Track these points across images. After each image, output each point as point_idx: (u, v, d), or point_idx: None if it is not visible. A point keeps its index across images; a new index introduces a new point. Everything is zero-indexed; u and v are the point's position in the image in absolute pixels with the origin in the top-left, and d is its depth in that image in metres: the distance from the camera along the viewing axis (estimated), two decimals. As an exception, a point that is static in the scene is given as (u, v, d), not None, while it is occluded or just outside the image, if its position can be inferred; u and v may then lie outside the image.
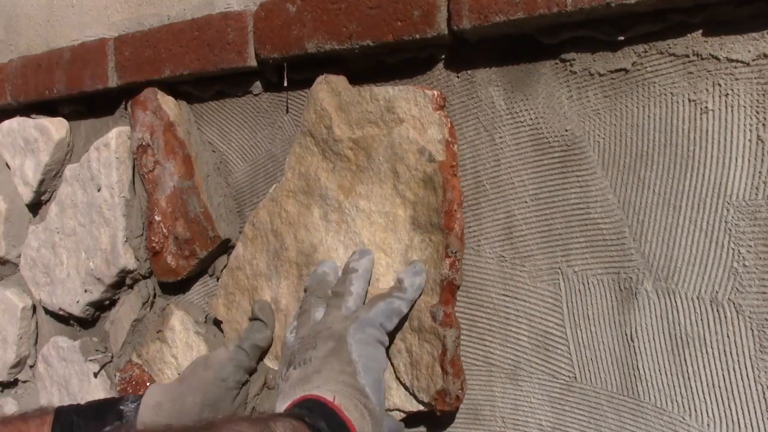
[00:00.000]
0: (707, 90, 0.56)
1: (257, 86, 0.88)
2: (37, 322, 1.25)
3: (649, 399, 0.61)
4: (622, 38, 0.60)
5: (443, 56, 0.72)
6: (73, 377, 1.14)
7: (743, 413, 0.56)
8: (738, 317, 0.56)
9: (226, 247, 0.93)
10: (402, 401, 0.72)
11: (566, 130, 0.64)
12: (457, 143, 0.71)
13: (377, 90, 0.73)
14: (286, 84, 0.83)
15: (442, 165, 0.69)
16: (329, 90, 0.77)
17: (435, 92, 0.70)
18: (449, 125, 0.70)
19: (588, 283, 0.64)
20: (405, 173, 0.71)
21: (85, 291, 1.08)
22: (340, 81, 0.76)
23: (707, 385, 0.58)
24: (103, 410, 0.68)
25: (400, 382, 0.72)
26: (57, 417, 0.65)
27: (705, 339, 0.58)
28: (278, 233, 0.81)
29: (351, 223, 0.75)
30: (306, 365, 0.64)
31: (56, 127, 1.14)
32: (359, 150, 0.74)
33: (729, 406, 0.57)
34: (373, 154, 0.73)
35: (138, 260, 1.02)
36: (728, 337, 0.56)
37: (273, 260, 0.82)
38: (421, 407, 0.70)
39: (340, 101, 0.76)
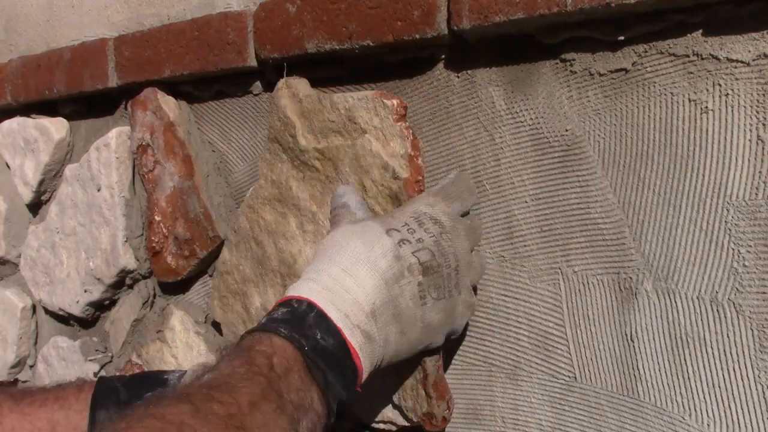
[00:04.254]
0: (707, 90, 0.56)
1: (257, 86, 0.88)
2: (37, 322, 1.25)
3: (649, 399, 0.61)
4: (622, 38, 0.60)
5: (443, 56, 0.72)
6: (73, 377, 1.14)
7: (743, 413, 0.56)
8: (738, 317, 0.56)
9: (226, 247, 0.94)
10: (395, 415, 0.71)
11: (566, 130, 0.64)
12: (421, 155, 0.69)
13: (337, 98, 0.70)
14: (286, 84, 0.83)
15: (406, 182, 0.67)
16: (290, 96, 0.74)
17: (395, 101, 0.67)
18: (411, 137, 0.68)
19: (588, 283, 0.64)
20: (372, 188, 0.69)
21: (85, 291, 1.09)
22: (300, 85, 0.74)
23: (707, 385, 0.58)
24: (148, 379, 0.67)
25: (391, 398, 0.71)
26: (99, 383, 0.65)
27: (705, 339, 0.58)
28: (259, 241, 0.80)
29: None
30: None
31: (56, 127, 1.14)
32: (326, 161, 0.72)
33: (729, 406, 0.57)
34: (339, 165, 0.71)
35: (138, 260, 1.02)
36: (728, 337, 0.56)
37: (258, 267, 0.81)
38: (412, 423, 0.70)
39: (302, 108, 0.74)
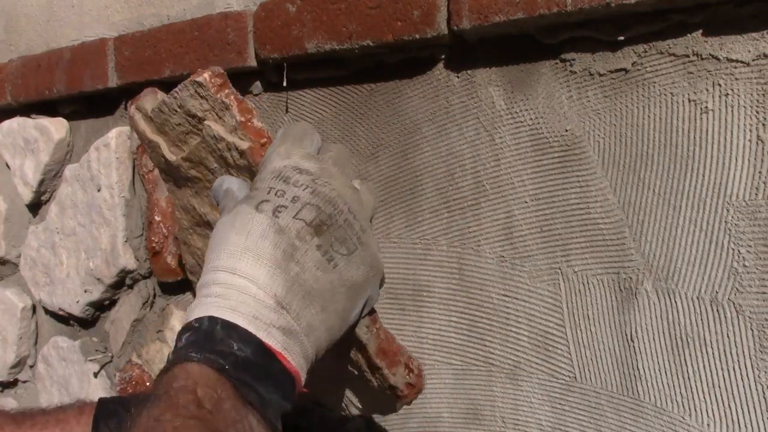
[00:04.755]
0: (707, 90, 0.56)
1: (257, 86, 0.88)
2: (37, 322, 1.25)
3: (649, 399, 0.61)
4: (622, 38, 0.60)
5: (443, 56, 0.72)
6: (73, 377, 1.14)
7: (743, 413, 0.56)
8: (738, 317, 0.56)
9: (226, 247, 0.93)
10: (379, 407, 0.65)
11: (566, 130, 0.64)
12: (255, 116, 0.62)
13: (168, 100, 0.65)
14: (285, 84, 0.83)
15: (251, 151, 0.60)
16: (143, 118, 0.70)
17: (206, 74, 0.61)
18: (236, 103, 0.61)
19: (588, 283, 0.64)
20: (236, 173, 0.63)
21: (85, 291, 1.09)
22: (147, 103, 0.68)
23: (707, 385, 0.58)
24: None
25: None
26: (100, 406, 0.64)
27: (705, 339, 0.58)
28: None
29: None
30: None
31: (56, 127, 1.14)
32: (197, 166, 0.67)
33: (729, 406, 0.57)
34: (207, 164, 0.66)
35: (138, 260, 1.02)
36: (728, 337, 0.56)
37: None
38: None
39: (155, 125, 0.69)
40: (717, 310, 0.57)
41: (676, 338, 0.59)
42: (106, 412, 0.62)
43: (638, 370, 0.61)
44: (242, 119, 0.61)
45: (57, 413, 0.63)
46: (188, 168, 0.68)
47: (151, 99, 0.69)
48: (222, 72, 0.61)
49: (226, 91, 0.61)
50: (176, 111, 0.65)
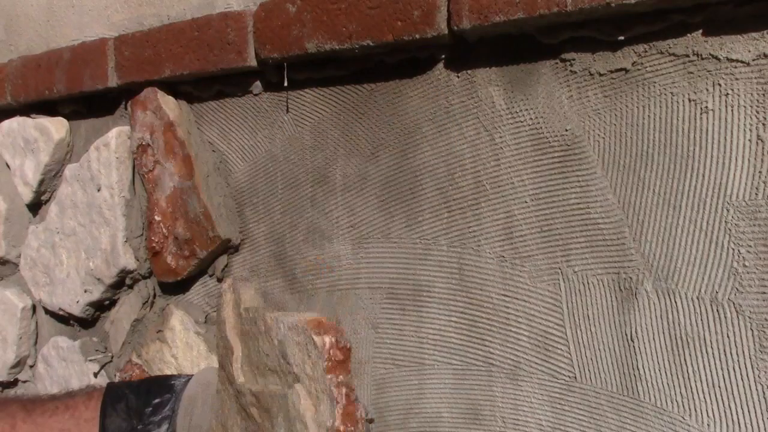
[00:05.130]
0: (707, 90, 0.56)
1: (257, 86, 0.88)
2: (37, 322, 1.25)
3: (649, 399, 0.61)
4: (622, 38, 0.60)
5: (443, 56, 0.72)
6: (73, 377, 1.14)
7: (743, 413, 0.56)
8: (738, 317, 0.56)
9: (226, 247, 0.93)
10: None
11: (566, 130, 0.64)
12: (358, 430, 0.48)
13: (270, 321, 0.53)
14: (286, 84, 0.83)
15: None
16: (234, 305, 0.60)
17: (327, 339, 0.48)
18: (344, 401, 0.48)
19: (588, 283, 0.64)
20: None
21: (85, 291, 1.08)
22: (246, 292, 0.59)
23: (707, 385, 0.58)
24: (155, 385, 0.66)
25: None
26: (108, 391, 0.65)
27: (705, 339, 0.58)
28: None
29: None
30: None
31: (56, 127, 1.14)
32: (263, 410, 0.54)
33: (729, 406, 0.57)
34: (275, 421, 0.53)
35: (138, 260, 1.02)
36: (728, 337, 0.56)
37: None
38: None
39: (242, 327, 0.58)
40: (717, 310, 0.57)
41: (676, 338, 0.59)
42: (115, 396, 0.63)
43: (638, 370, 0.61)
44: (341, 426, 0.48)
45: (66, 399, 0.64)
46: (250, 403, 0.55)
47: (251, 291, 0.59)
48: (349, 347, 0.49)
49: (341, 377, 0.48)
50: (271, 340, 0.53)
